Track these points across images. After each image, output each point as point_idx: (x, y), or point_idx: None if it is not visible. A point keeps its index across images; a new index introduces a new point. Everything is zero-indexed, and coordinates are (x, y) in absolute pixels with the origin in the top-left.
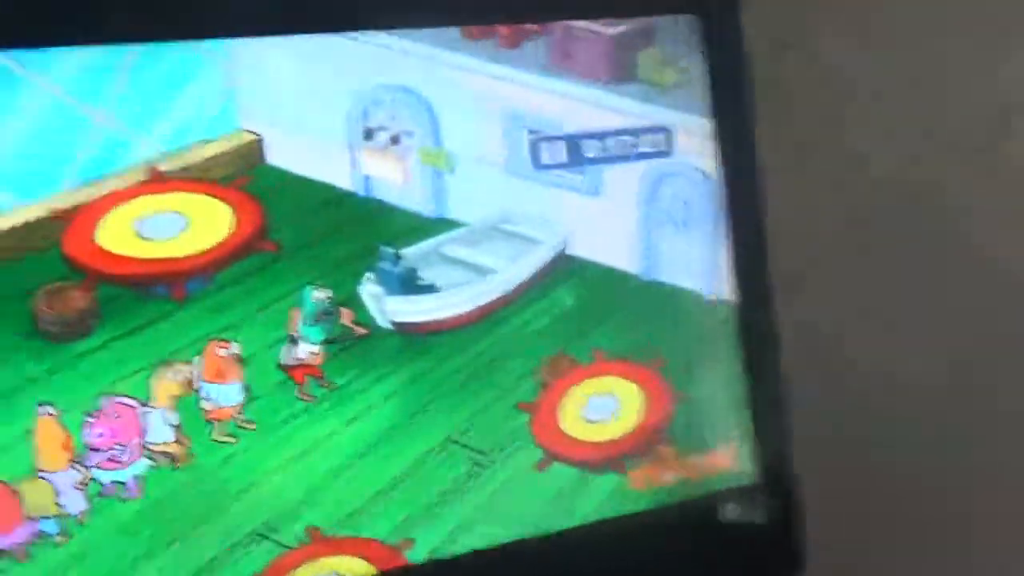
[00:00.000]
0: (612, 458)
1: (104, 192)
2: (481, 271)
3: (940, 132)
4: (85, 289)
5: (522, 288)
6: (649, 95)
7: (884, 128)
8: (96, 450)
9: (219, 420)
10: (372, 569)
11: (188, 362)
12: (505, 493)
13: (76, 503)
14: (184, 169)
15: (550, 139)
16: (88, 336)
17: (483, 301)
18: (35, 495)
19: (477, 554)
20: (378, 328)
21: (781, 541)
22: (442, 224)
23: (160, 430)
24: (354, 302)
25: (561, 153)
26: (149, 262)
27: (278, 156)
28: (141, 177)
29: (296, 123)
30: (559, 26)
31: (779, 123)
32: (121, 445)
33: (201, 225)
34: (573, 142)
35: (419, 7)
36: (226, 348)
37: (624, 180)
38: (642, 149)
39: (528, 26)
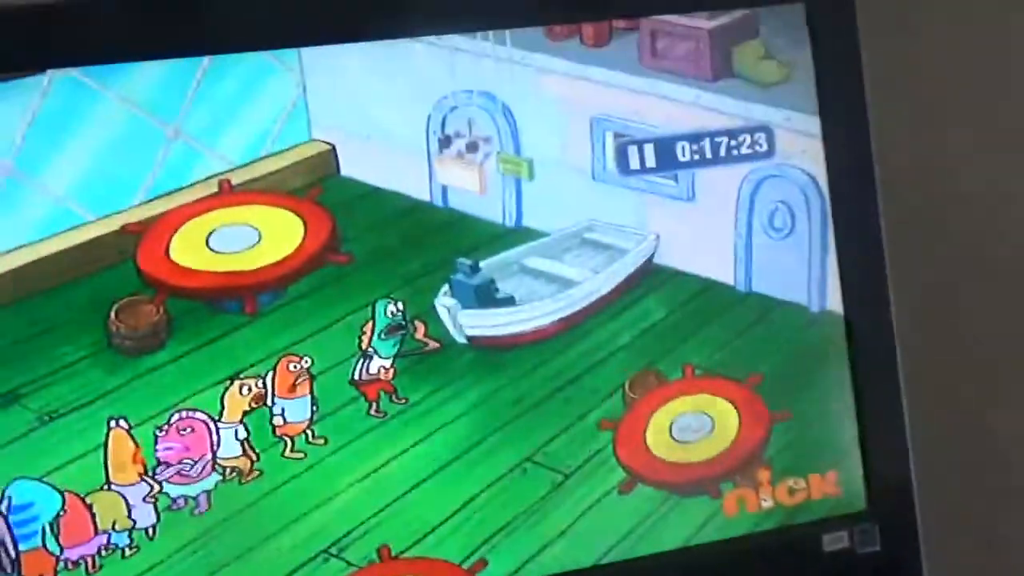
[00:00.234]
0: (704, 480)
1: (177, 206)
2: (563, 283)
3: None
4: (158, 303)
5: (607, 300)
6: (748, 92)
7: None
8: (166, 464)
9: (289, 436)
10: None
11: (260, 377)
12: (586, 515)
13: (146, 516)
14: (255, 181)
15: (638, 142)
16: (160, 350)
17: (565, 314)
18: (106, 507)
19: None
20: (452, 342)
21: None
22: (522, 234)
23: (230, 445)
24: (428, 316)
25: (650, 157)
26: (221, 275)
27: (351, 166)
28: (213, 190)
29: (370, 132)
30: (650, 21)
31: (892, 117)
32: (191, 459)
33: (273, 238)
34: (664, 145)
35: (498, 7)
36: (298, 363)
37: (721, 184)
38: (741, 151)
39: (616, 23)
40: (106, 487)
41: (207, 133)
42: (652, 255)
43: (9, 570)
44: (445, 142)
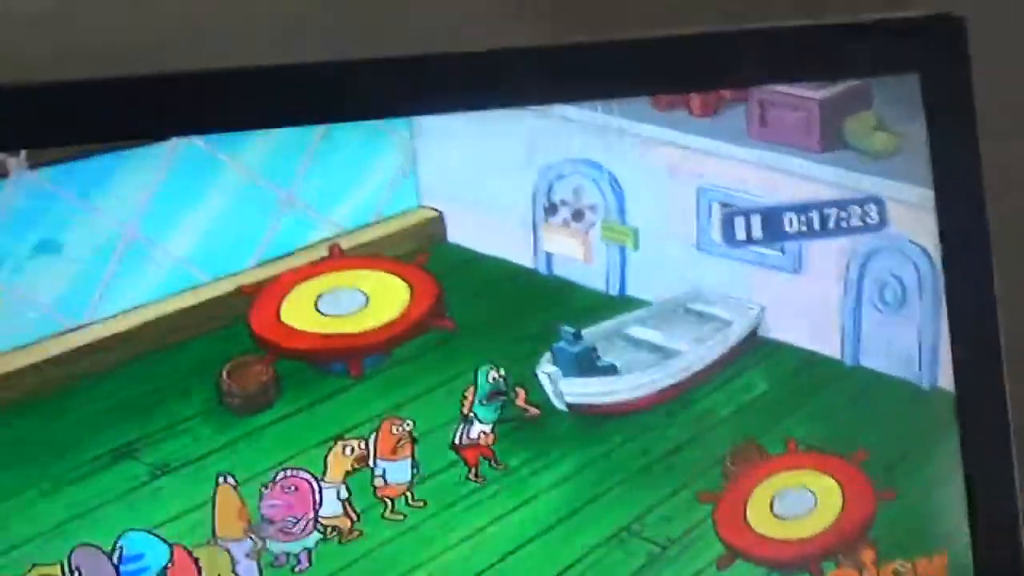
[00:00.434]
0: (805, 558)
1: (288, 269)
2: (665, 352)
3: None
4: (267, 363)
5: (710, 371)
6: (859, 163)
7: None
8: (271, 521)
9: (390, 497)
10: None
11: (363, 438)
12: None
13: (250, 572)
14: (364, 246)
15: (745, 212)
16: (268, 409)
17: (666, 384)
18: (212, 561)
19: None
20: (553, 409)
21: None
22: (625, 303)
23: (332, 504)
24: (529, 382)
25: (757, 228)
26: (328, 337)
27: (458, 233)
28: (323, 254)
29: (477, 199)
30: (759, 91)
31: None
32: (295, 517)
33: (379, 302)
34: (771, 216)
35: (606, 77)
36: (400, 425)
37: (829, 256)
38: (850, 223)
39: (723, 93)
40: (212, 541)
41: (319, 199)
42: (757, 327)
43: None
44: (551, 210)
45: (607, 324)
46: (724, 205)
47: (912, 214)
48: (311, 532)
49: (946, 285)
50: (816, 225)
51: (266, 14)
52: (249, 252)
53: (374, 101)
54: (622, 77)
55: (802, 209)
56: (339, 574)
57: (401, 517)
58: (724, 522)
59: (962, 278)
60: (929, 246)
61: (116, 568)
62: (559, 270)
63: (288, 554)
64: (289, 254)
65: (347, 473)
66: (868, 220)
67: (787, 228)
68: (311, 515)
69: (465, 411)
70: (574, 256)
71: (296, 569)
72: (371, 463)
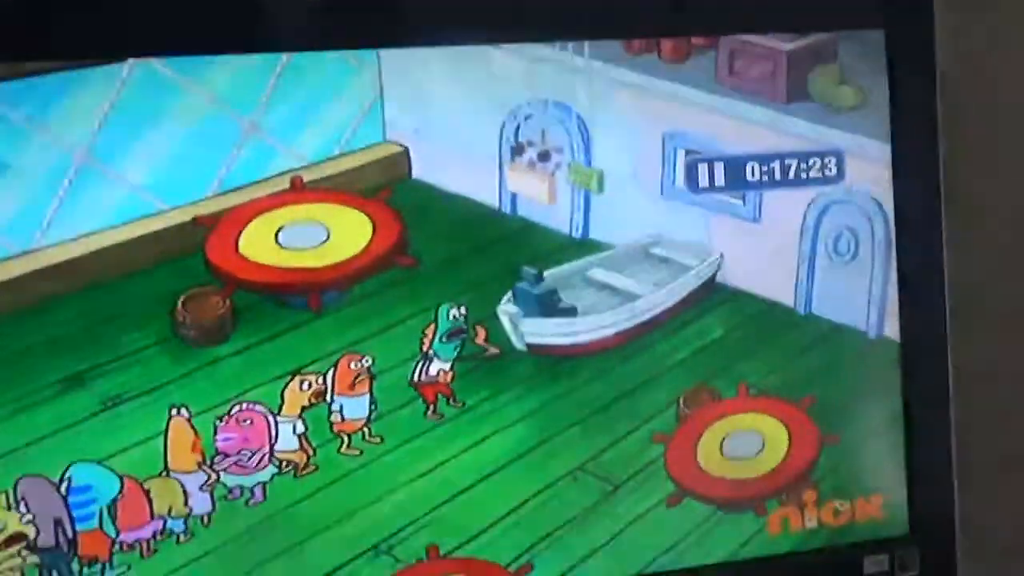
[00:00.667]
0: (751, 498)
1: (248, 200)
2: (625, 296)
3: None
4: (225, 295)
5: (667, 315)
6: (821, 116)
7: None
8: (225, 454)
9: (346, 433)
10: None
11: (321, 373)
12: (633, 526)
13: (203, 504)
14: (327, 179)
15: (709, 160)
16: (224, 342)
17: (625, 327)
18: (164, 494)
19: None
20: (512, 349)
21: None
22: (588, 246)
23: (288, 439)
24: (490, 322)
25: (720, 176)
26: (288, 271)
27: (423, 170)
28: (285, 186)
29: (444, 136)
30: (729, 40)
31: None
32: (250, 451)
33: (341, 236)
34: (734, 164)
35: (579, 18)
36: (359, 361)
37: (787, 207)
38: (810, 174)
39: (695, 40)
40: (164, 474)
41: (282, 129)
42: (715, 274)
43: (66, 549)
44: (518, 150)
45: (569, 266)
46: (689, 152)
47: (869, 168)
48: (266, 466)
49: (897, 238)
50: (777, 175)
51: None
52: (208, 181)
53: (342, 31)
54: (595, 19)
55: (764, 159)
56: (294, 508)
57: (357, 452)
58: (675, 462)
59: (913, 232)
60: (884, 200)
61: (64, 499)
62: (523, 211)
63: (242, 487)
64: (249, 185)
65: (304, 408)
66: (827, 172)
67: (749, 177)
68: (266, 449)
69: (425, 348)
70: (539, 197)
71: (250, 503)
72: (328, 398)
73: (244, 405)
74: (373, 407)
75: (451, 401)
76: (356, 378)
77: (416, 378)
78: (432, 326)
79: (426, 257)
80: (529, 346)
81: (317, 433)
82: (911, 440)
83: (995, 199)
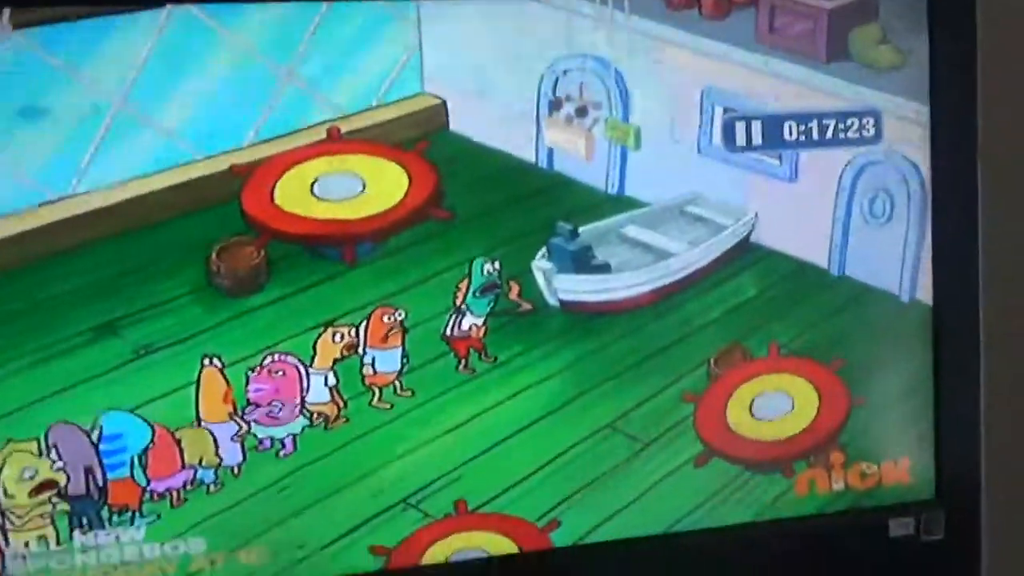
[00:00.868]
0: (778, 459)
1: (285, 150)
2: (659, 254)
3: None
4: (259, 246)
5: (701, 274)
6: (861, 76)
7: None
8: (256, 405)
9: (378, 386)
10: (514, 547)
11: (354, 326)
12: (660, 485)
13: (233, 455)
14: (364, 131)
15: (746, 118)
16: (258, 292)
17: (658, 285)
18: (195, 443)
19: (624, 543)
20: (545, 305)
21: (956, 564)
22: (623, 203)
23: (319, 391)
24: (523, 277)
25: (757, 134)
26: (323, 223)
27: (460, 122)
28: (322, 136)
29: (481, 89)
30: None
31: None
32: (281, 402)
33: (376, 188)
34: (771, 123)
35: None
36: (392, 314)
37: (824, 167)
38: (848, 135)
39: None
40: (196, 424)
41: (320, 79)
42: (750, 233)
43: (96, 497)
44: (556, 105)
45: (604, 223)
46: (727, 110)
47: (907, 129)
48: (297, 418)
49: (932, 201)
50: (815, 135)
51: None
52: (244, 130)
53: None
54: None
55: (802, 118)
56: (324, 460)
57: (388, 406)
58: (705, 422)
59: (948, 196)
60: (920, 162)
61: (95, 447)
62: (559, 166)
63: (273, 439)
64: (286, 135)
65: (336, 360)
66: (864, 133)
67: (786, 136)
68: (297, 401)
69: (458, 303)
70: (575, 153)
71: (281, 454)
72: (361, 351)
73: (276, 356)
74: (405, 360)
75: (483, 356)
76: (389, 331)
77: (448, 332)
78: (466, 280)
79: (461, 211)
80: (562, 302)
81: (349, 386)
82: (939, 404)
83: None
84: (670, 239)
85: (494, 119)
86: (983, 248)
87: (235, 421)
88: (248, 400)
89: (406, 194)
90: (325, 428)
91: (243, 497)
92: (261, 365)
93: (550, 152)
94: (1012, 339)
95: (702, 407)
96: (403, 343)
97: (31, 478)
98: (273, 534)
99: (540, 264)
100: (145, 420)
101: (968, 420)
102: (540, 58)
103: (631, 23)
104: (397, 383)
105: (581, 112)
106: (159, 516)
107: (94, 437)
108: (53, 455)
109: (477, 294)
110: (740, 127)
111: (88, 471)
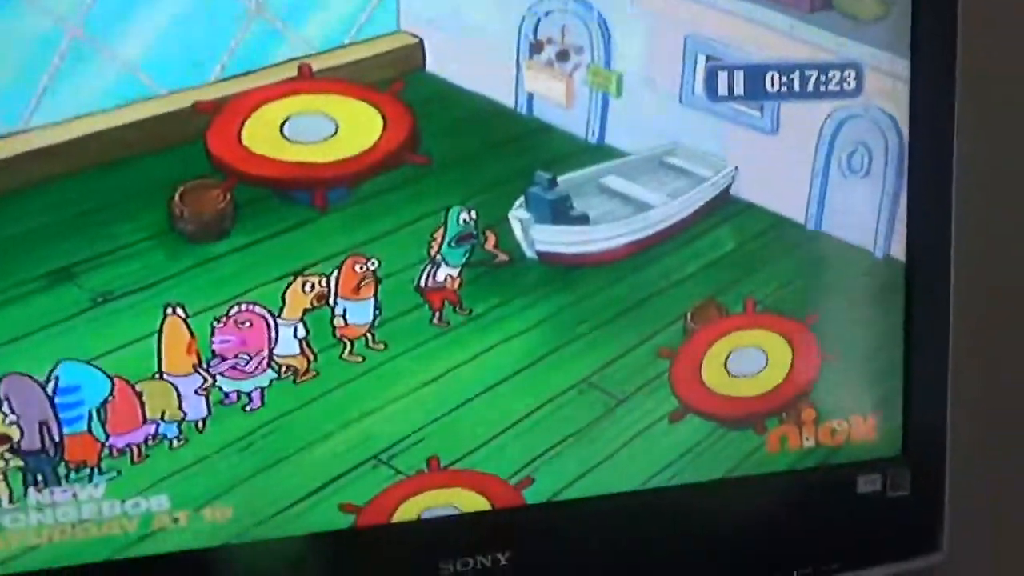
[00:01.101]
0: (751, 416)
1: (253, 87)
2: (638, 205)
3: None
4: (225, 189)
5: (680, 227)
6: (844, 27)
7: None
8: (222, 357)
9: (349, 338)
10: (487, 505)
11: (324, 275)
12: (635, 441)
13: (197, 409)
14: (337, 69)
15: (729, 68)
16: (224, 238)
17: (636, 237)
18: (157, 397)
19: (598, 500)
20: (522, 256)
21: (920, 521)
22: (603, 152)
23: (288, 343)
24: (500, 227)
25: (739, 84)
26: (293, 165)
27: (437, 63)
28: (292, 74)
29: (460, 29)
30: None
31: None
32: (247, 354)
33: (350, 131)
34: (754, 73)
35: None
36: (364, 264)
37: (804, 119)
38: (829, 87)
39: None
40: (158, 376)
41: (291, 13)
42: (729, 186)
43: (52, 453)
44: (536, 47)
45: (583, 172)
46: (710, 58)
47: (886, 83)
48: (264, 370)
49: (909, 156)
50: (796, 86)
51: None
52: (210, 65)
53: None
54: None
55: (784, 69)
56: (293, 415)
57: (360, 359)
58: (680, 378)
59: (924, 151)
60: (899, 116)
61: (50, 400)
62: (539, 112)
63: (239, 392)
64: (255, 71)
65: (306, 311)
66: (846, 86)
67: (768, 87)
68: (265, 353)
69: (433, 253)
70: (556, 99)
71: (247, 408)
72: (331, 301)
73: (243, 306)
74: (377, 312)
75: (458, 308)
76: (361, 281)
77: (423, 283)
78: (441, 230)
79: (437, 156)
80: (539, 254)
81: (319, 338)
82: (909, 363)
83: (1011, 124)
84: (650, 191)
85: (473, 60)
86: (956, 206)
87: (199, 374)
88: (213, 352)
89: (380, 137)
90: (294, 382)
91: (208, 453)
92: (227, 315)
93: (530, 97)
94: (983, 299)
95: (677, 363)
96: (376, 294)
97: None
98: (239, 491)
99: (517, 214)
100: (103, 372)
101: (936, 379)
102: None
103: None
104: (369, 335)
105: (562, 56)
106: (119, 473)
107: (49, 390)
108: (5, 408)
109: (453, 244)
110: (723, 76)
111: (43, 425)
